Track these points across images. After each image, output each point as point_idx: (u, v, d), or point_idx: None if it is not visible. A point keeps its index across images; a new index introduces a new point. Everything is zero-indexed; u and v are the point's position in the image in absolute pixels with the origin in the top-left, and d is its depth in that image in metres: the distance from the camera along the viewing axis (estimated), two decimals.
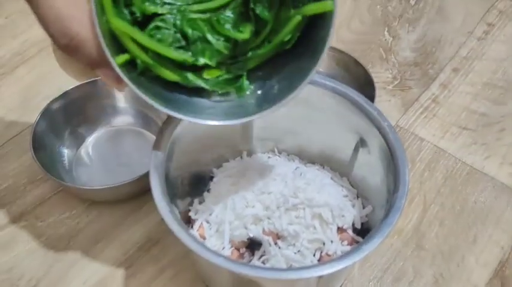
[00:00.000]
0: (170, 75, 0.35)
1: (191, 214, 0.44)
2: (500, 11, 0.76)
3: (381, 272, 0.49)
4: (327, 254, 0.40)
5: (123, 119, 0.59)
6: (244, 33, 0.34)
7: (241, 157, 0.48)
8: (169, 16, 0.33)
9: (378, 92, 0.58)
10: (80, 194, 0.52)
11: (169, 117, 0.40)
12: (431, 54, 0.71)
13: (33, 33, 0.70)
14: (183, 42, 0.34)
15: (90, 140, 0.57)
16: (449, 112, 0.63)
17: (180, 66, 0.35)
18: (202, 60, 0.34)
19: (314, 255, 0.39)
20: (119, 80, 0.33)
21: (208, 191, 0.45)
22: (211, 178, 0.46)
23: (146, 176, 0.48)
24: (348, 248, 0.40)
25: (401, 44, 0.72)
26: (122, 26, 0.32)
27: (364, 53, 0.70)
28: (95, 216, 0.52)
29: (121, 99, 0.58)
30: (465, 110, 0.64)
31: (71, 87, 0.55)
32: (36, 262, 0.48)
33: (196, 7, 0.34)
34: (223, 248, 0.40)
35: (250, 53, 0.35)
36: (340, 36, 0.73)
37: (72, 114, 0.56)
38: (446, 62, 0.69)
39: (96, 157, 0.56)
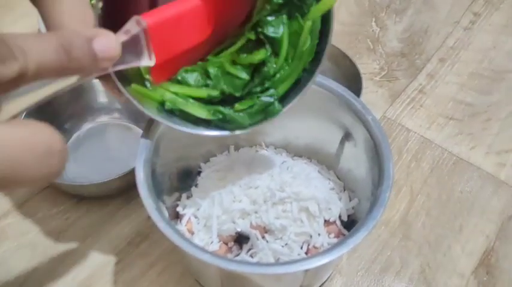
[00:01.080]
0: (202, 112, 0.36)
1: (179, 209, 0.44)
2: (486, 0, 0.76)
3: (368, 262, 0.49)
4: (314, 247, 0.40)
5: (111, 114, 0.58)
6: (260, 54, 0.35)
7: (229, 151, 0.48)
8: None
9: (365, 83, 0.59)
10: (68, 190, 0.52)
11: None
12: (418, 45, 0.71)
13: (17, 27, 0.69)
14: (209, 81, 0.36)
15: (77, 135, 0.57)
16: (435, 103, 0.64)
17: (210, 102, 0.36)
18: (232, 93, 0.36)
19: (301, 248, 0.40)
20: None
21: (196, 186, 0.45)
22: (199, 172, 0.46)
23: (133, 171, 0.48)
24: (335, 240, 0.41)
25: (389, 35, 0.72)
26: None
27: (351, 44, 0.71)
28: (83, 212, 0.52)
29: (107, 94, 0.58)
30: (451, 101, 0.64)
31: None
32: (24, 258, 0.48)
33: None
34: (212, 242, 0.41)
35: (277, 75, 0.36)
36: None
37: (58, 110, 0.56)
38: (433, 53, 0.70)
39: (83, 152, 0.56)
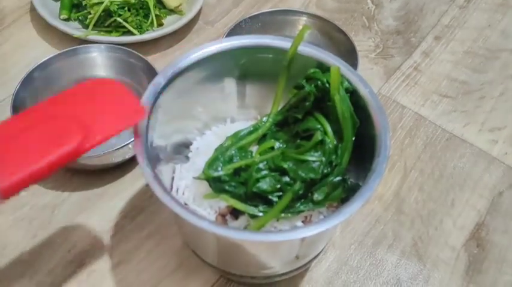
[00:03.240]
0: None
1: (174, 180, 0.44)
2: None
3: (361, 236, 0.50)
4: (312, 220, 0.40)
5: None
6: (317, 136, 0.39)
7: (225, 124, 0.48)
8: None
9: (360, 60, 0.59)
10: None
11: (150, 89, 0.39)
12: (413, 23, 0.71)
13: (8, 2, 0.68)
14: (285, 177, 0.38)
15: None
16: (430, 80, 0.64)
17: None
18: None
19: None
20: None
21: (189, 157, 0.45)
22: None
23: (129, 144, 0.48)
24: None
25: (384, 13, 0.72)
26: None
27: (347, 21, 0.70)
28: (78, 185, 0.52)
29: (101, 68, 0.58)
30: (446, 78, 0.64)
31: (50, 55, 0.54)
32: (21, 232, 0.48)
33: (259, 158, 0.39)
34: (208, 214, 0.41)
35: (339, 150, 0.39)
36: (324, 4, 0.72)
37: (53, 83, 0.55)
38: (428, 31, 0.70)
39: None
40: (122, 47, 0.57)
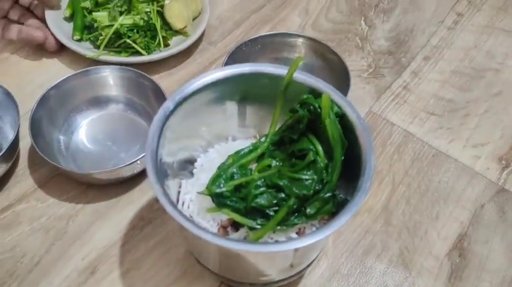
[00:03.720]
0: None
1: (180, 194, 0.48)
2: (469, 1, 0.81)
3: (352, 245, 0.54)
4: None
5: (115, 107, 0.62)
6: (310, 156, 0.43)
7: (227, 142, 0.52)
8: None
9: (353, 80, 0.63)
10: (77, 178, 0.56)
11: (160, 109, 0.44)
12: (404, 43, 0.75)
13: None
14: (280, 194, 0.42)
15: (84, 126, 0.61)
16: (418, 98, 0.68)
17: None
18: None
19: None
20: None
21: (193, 173, 0.49)
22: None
23: (138, 161, 0.53)
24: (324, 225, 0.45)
25: (377, 34, 0.76)
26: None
27: (341, 41, 0.75)
28: (91, 197, 0.56)
29: (112, 87, 0.62)
30: (433, 97, 0.69)
31: (64, 76, 0.59)
32: (38, 241, 0.53)
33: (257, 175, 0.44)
34: (211, 226, 0.45)
35: (329, 168, 0.43)
36: (319, 25, 0.77)
37: (67, 102, 0.59)
38: (417, 51, 0.74)
39: (90, 142, 0.60)
40: (130, 68, 0.61)
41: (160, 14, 0.69)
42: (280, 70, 0.46)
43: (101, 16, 0.68)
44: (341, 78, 0.63)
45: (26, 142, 0.58)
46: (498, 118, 0.66)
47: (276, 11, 0.78)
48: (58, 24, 0.69)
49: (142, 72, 0.61)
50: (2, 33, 0.67)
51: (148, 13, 0.68)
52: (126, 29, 0.67)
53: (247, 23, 0.76)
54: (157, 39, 0.69)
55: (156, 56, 0.67)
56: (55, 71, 0.68)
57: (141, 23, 0.67)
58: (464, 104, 0.68)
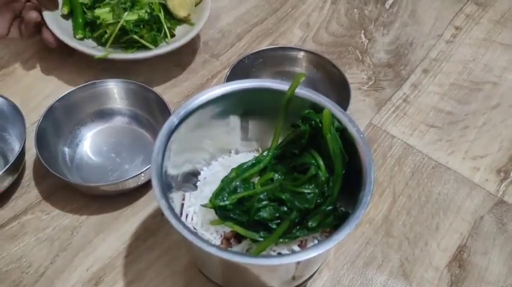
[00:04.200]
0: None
1: (184, 207, 0.49)
2: (467, 15, 0.82)
3: (353, 257, 0.55)
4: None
5: (119, 119, 0.63)
6: (311, 171, 0.44)
7: (230, 155, 0.53)
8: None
9: (353, 92, 0.64)
10: (82, 189, 0.57)
11: (166, 123, 0.45)
12: (403, 56, 0.76)
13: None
14: (283, 207, 0.43)
15: (89, 138, 0.62)
16: (418, 111, 0.69)
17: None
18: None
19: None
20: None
21: (197, 185, 0.50)
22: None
23: (142, 173, 0.53)
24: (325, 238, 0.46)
25: (377, 47, 0.77)
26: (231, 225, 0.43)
27: (341, 54, 0.76)
28: (95, 209, 0.57)
29: (117, 100, 0.63)
30: (433, 109, 0.70)
31: (72, 89, 0.60)
32: (43, 252, 0.53)
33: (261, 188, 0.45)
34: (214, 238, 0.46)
35: (331, 182, 0.44)
36: (320, 39, 0.78)
37: (73, 114, 0.61)
38: (417, 64, 0.75)
39: (94, 154, 0.61)
40: (134, 81, 0.62)
41: (162, 5, 0.69)
42: (282, 86, 0.47)
43: (105, 13, 0.66)
44: (341, 91, 0.64)
45: (31, 154, 0.59)
46: (496, 130, 0.67)
47: (278, 24, 0.80)
48: (57, 23, 0.67)
49: (146, 85, 0.62)
50: (20, 32, 0.66)
51: (151, 5, 0.67)
52: (132, 25, 0.65)
53: (249, 36, 0.77)
54: (163, 31, 0.68)
55: (164, 49, 0.66)
56: (61, 83, 0.69)
57: (146, 16, 0.66)
58: (463, 117, 0.69)
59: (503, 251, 0.56)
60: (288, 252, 0.43)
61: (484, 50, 0.77)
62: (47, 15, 0.67)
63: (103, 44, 0.68)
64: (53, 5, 0.68)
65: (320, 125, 0.44)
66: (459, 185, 0.62)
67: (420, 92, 0.72)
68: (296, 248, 0.44)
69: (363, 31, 0.79)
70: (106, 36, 0.67)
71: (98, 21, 0.67)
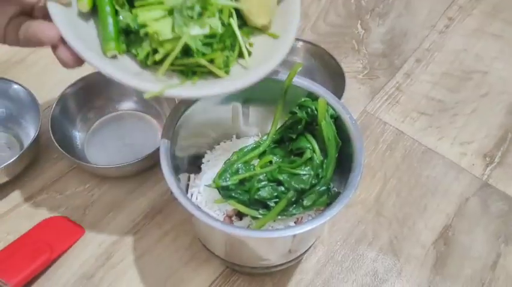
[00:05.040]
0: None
1: (189, 187, 0.53)
2: (460, 6, 0.85)
3: (346, 234, 0.59)
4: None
5: (127, 105, 0.67)
6: (307, 154, 0.48)
7: (231, 140, 0.57)
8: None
9: (349, 81, 0.68)
10: (93, 171, 0.61)
11: (173, 109, 0.48)
12: (397, 46, 0.80)
13: None
14: (280, 187, 0.47)
15: (99, 123, 0.65)
16: (410, 99, 0.73)
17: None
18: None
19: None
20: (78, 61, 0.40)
21: (200, 167, 0.54)
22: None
23: (149, 156, 0.57)
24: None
25: (372, 37, 0.81)
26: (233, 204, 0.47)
27: (338, 44, 0.79)
28: (106, 189, 0.61)
29: (125, 87, 0.66)
30: (424, 97, 0.73)
31: (83, 75, 0.63)
32: None
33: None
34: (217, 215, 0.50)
35: (324, 165, 0.48)
36: (317, 28, 0.81)
37: (83, 101, 0.64)
38: (410, 54, 0.79)
39: (104, 138, 0.64)
40: None
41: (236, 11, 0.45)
42: (281, 75, 0.50)
43: (156, 21, 0.41)
44: (337, 80, 0.67)
45: (45, 138, 0.63)
46: (484, 118, 0.71)
47: None
48: (74, 27, 0.41)
49: None
50: (20, 41, 0.43)
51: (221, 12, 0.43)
52: (200, 43, 0.42)
53: None
54: (237, 47, 0.45)
55: (244, 80, 0.44)
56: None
57: (220, 29, 0.43)
58: (453, 105, 0.73)
59: (486, 231, 0.60)
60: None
61: (475, 41, 0.80)
62: (57, 13, 0.41)
63: (143, 63, 0.43)
64: None
65: (316, 112, 0.47)
66: (447, 169, 0.65)
67: (412, 80, 0.75)
68: (292, 224, 0.48)
69: (359, 21, 0.83)
70: (157, 57, 0.42)
71: (142, 32, 0.42)
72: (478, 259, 0.58)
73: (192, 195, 0.52)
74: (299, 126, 0.49)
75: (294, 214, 0.47)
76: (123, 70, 0.41)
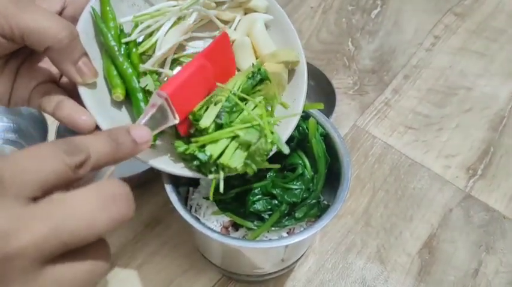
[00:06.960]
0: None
1: (188, 199, 0.56)
2: (446, 25, 0.89)
3: (336, 244, 0.62)
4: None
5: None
6: (299, 170, 0.52)
7: None
8: None
9: (340, 96, 0.71)
10: None
11: None
12: (386, 63, 0.84)
13: None
14: (274, 200, 0.50)
15: None
16: (398, 114, 0.77)
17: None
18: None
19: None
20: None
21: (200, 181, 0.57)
22: None
23: (150, 169, 0.60)
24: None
25: (362, 53, 0.85)
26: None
27: (330, 61, 0.83)
28: None
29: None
30: (411, 112, 0.77)
31: None
32: None
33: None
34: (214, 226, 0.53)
35: (315, 179, 0.52)
36: (311, 46, 0.85)
37: None
38: (398, 70, 0.83)
39: None
40: None
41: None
42: None
43: (228, 156, 0.42)
44: (328, 96, 0.71)
45: None
46: (468, 132, 0.75)
47: None
48: (107, 114, 0.43)
49: None
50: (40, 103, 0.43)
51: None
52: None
53: None
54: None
55: None
56: None
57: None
58: (439, 119, 0.76)
59: (468, 240, 0.64)
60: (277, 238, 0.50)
61: (460, 58, 0.85)
62: (89, 98, 0.41)
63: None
64: (90, 74, 0.42)
65: (307, 131, 0.51)
66: (432, 181, 0.69)
67: (400, 96, 0.79)
68: (285, 235, 0.51)
69: (350, 39, 0.86)
70: (213, 176, 0.43)
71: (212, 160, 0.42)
72: (461, 266, 0.61)
73: (191, 207, 0.56)
74: (291, 144, 0.53)
75: (287, 225, 0.50)
76: (163, 159, 0.45)
